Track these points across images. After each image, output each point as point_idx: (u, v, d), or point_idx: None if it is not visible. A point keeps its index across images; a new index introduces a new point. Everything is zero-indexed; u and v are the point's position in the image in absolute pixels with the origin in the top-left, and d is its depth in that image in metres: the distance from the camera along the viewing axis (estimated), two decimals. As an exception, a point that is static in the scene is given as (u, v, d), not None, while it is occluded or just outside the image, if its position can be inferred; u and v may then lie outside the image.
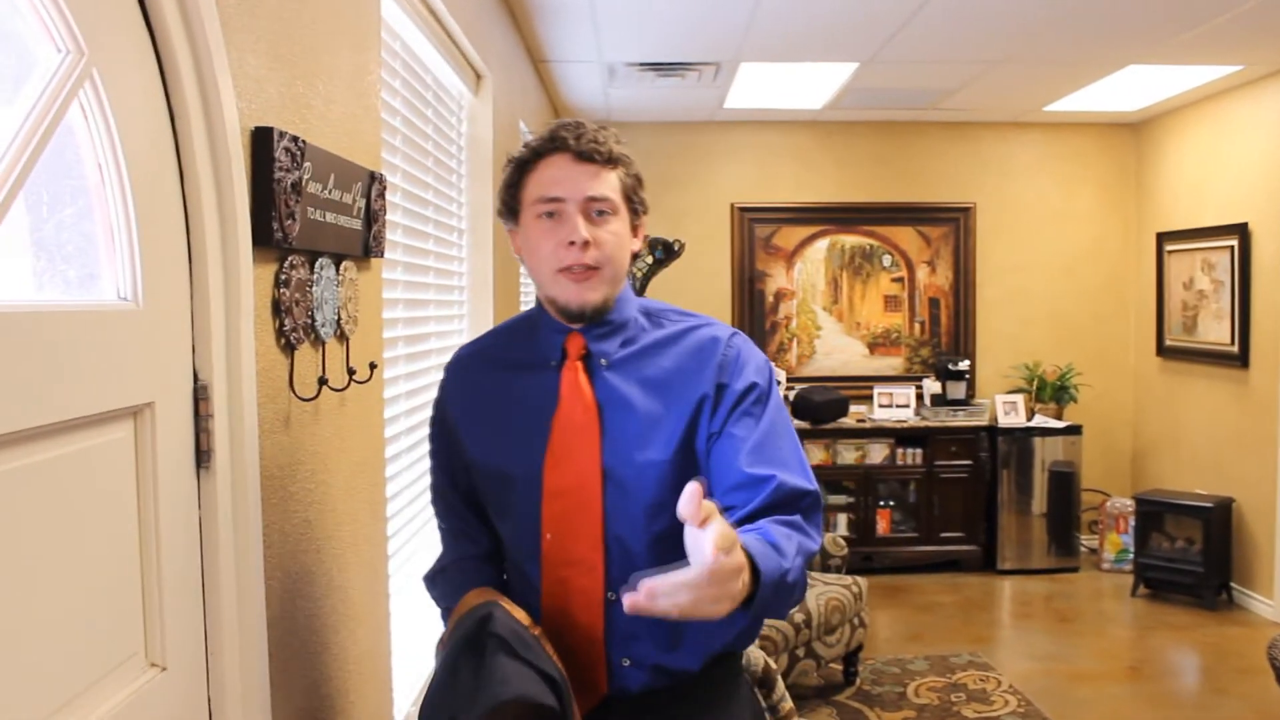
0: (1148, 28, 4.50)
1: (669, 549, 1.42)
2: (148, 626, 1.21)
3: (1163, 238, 6.44)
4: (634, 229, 1.63)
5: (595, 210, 1.54)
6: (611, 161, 1.57)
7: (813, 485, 1.52)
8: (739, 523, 1.42)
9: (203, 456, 1.34)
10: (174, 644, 1.25)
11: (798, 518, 1.46)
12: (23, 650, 0.98)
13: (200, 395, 1.33)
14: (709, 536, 1.11)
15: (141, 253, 1.19)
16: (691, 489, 1.12)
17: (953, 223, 6.84)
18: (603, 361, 1.59)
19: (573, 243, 1.52)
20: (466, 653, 1.43)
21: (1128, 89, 5.68)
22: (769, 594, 1.28)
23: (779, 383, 1.70)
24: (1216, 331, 5.89)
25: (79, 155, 1.11)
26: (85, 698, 1.08)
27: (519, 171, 1.59)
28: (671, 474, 1.53)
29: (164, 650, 1.23)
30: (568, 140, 1.55)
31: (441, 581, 1.72)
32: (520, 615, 1.54)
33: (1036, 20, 4.41)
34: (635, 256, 1.65)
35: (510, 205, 1.61)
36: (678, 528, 1.39)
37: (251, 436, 1.42)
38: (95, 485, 1.13)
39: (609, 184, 1.56)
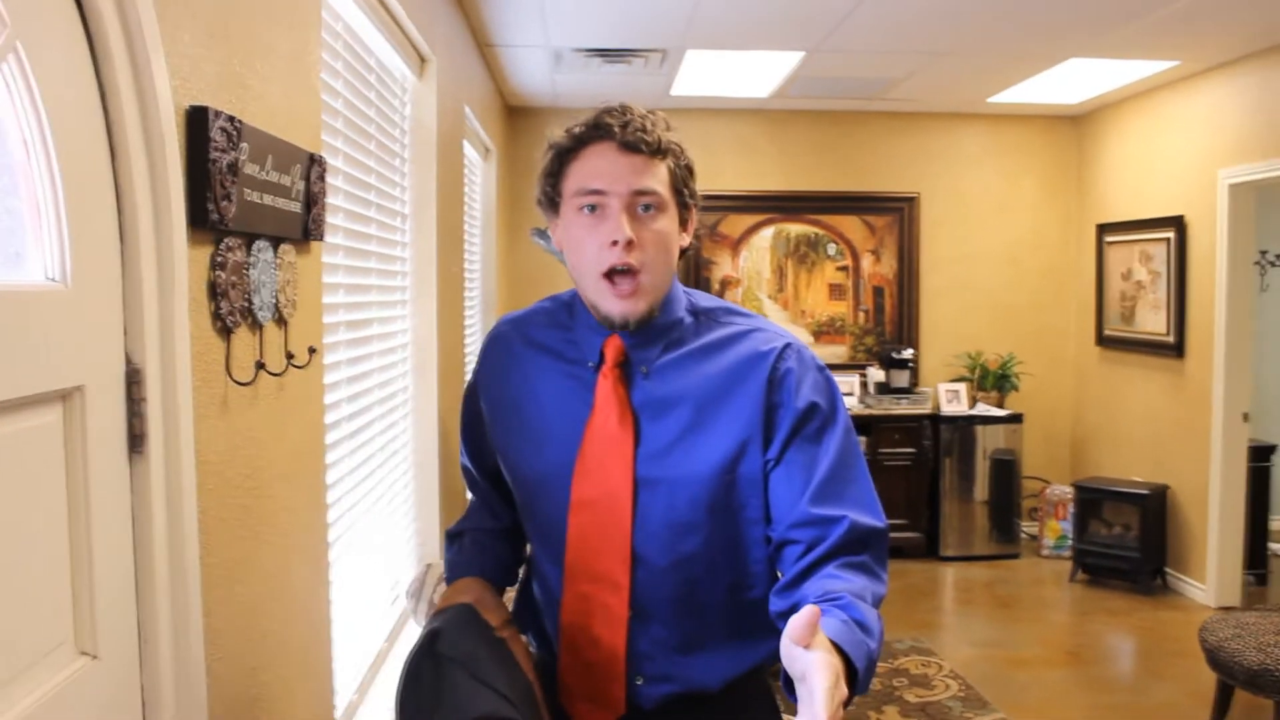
0: (1089, 21, 4.56)
1: (692, 571, 1.49)
2: (77, 614, 1.19)
3: (1102, 229, 6.55)
4: (684, 223, 1.52)
5: (641, 205, 1.43)
6: (660, 152, 1.45)
7: (883, 522, 1.42)
8: (807, 568, 1.36)
9: (136, 441, 1.31)
10: (105, 632, 1.23)
11: (866, 558, 1.37)
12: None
13: (133, 379, 1.30)
14: (820, 698, 1.00)
15: (70, 232, 1.16)
16: (808, 614, 1.05)
17: (897, 212, 6.91)
18: (643, 369, 1.51)
19: (615, 242, 1.41)
20: (422, 665, 1.42)
21: (1069, 82, 5.77)
22: (864, 681, 1.20)
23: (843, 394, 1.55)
24: (1153, 322, 6.01)
25: (2, 130, 1.08)
26: (12, 686, 1.05)
27: (559, 160, 1.48)
28: (706, 494, 1.46)
29: (95, 638, 1.21)
30: (612, 127, 1.43)
31: (454, 549, 1.71)
32: (493, 615, 1.54)
33: (980, 12, 4.46)
34: (684, 251, 1.53)
35: (550, 196, 1.52)
36: (703, 552, 1.47)
37: (186, 421, 1.40)
38: (23, 470, 1.10)
39: (657, 176, 1.44)
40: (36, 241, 1.13)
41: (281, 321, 1.85)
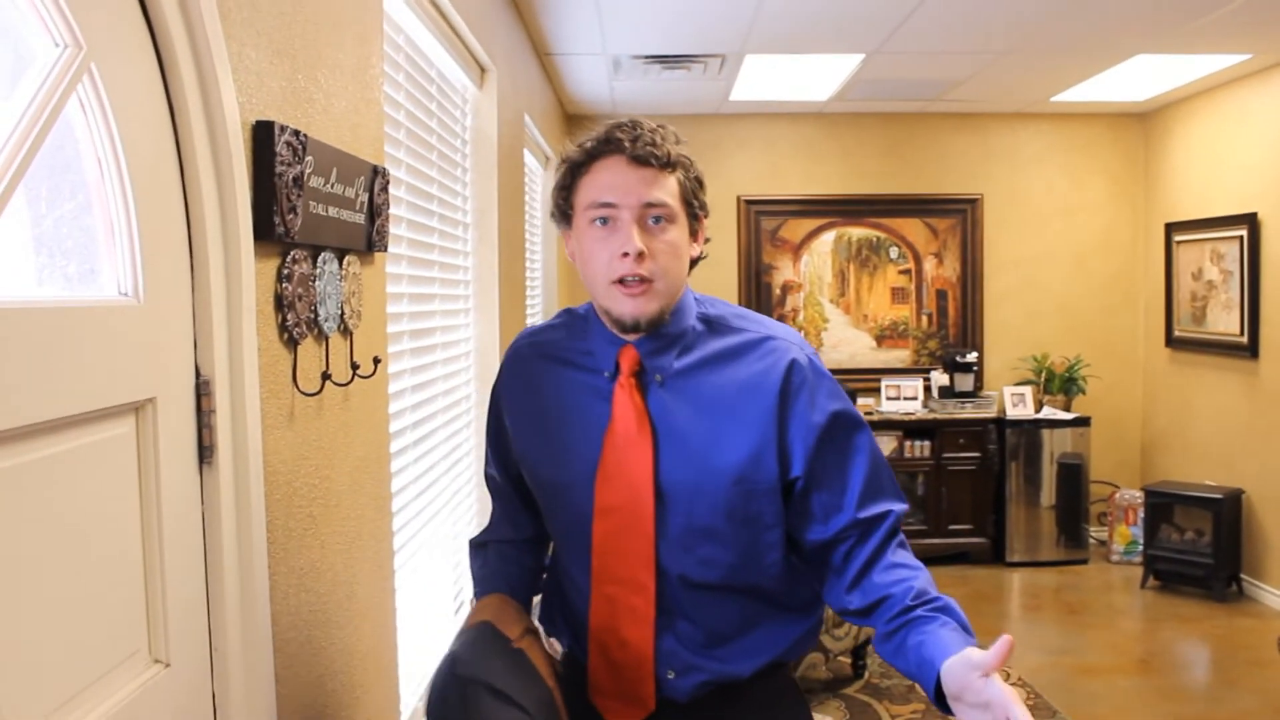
0: (1155, 16, 4.47)
1: (714, 573, 1.55)
2: (151, 623, 1.21)
3: (1171, 228, 6.41)
4: (694, 234, 1.57)
5: (651, 217, 1.48)
6: (670, 165, 1.51)
7: (905, 501, 1.57)
8: (867, 563, 1.49)
9: (205, 452, 1.33)
10: (177, 640, 1.25)
11: (901, 535, 1.54)
12: (24, 647, 0.98)
13: (202, 391, 1.33)
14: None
15: (142, 248, 1.18)
16: (1004, 644, 1.24)
17: (960, 214, 6.82)
18: (657, 378, 1.56)
19: (626, 254, 1.46)
20: (447, 690, 1.48)
21: (1136, 79, 5.65)
22: None
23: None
24: (1225, 322, 5.87)
25: (78, 150, 1.11)
26: (87, 694, 1.07)
27: (571, 174, 1.54)
28: (724, 502, 1.52)
29: (167, 647, 1.23)
30: (623, 142, 1.48)
31: (478, 562, 1.79)
32: (512, 627, 1.60)
33: (1042, 10, 4.39)
34: (695, 262, 1.59)
35: (562, 209, 1.57)
36: (723, 556, 1.54)
37: (255, 432, 1.42)
38: (97, 482, 1.12)
39: (666, 189, 1.50)
40: (110, 257, 1.16)
41: (346, 332, 1.87)
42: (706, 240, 1.62)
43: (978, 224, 6.82)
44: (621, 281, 1.48)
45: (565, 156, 1.54)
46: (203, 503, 1.34)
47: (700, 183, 1.56)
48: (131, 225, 1.17)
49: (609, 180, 1.48)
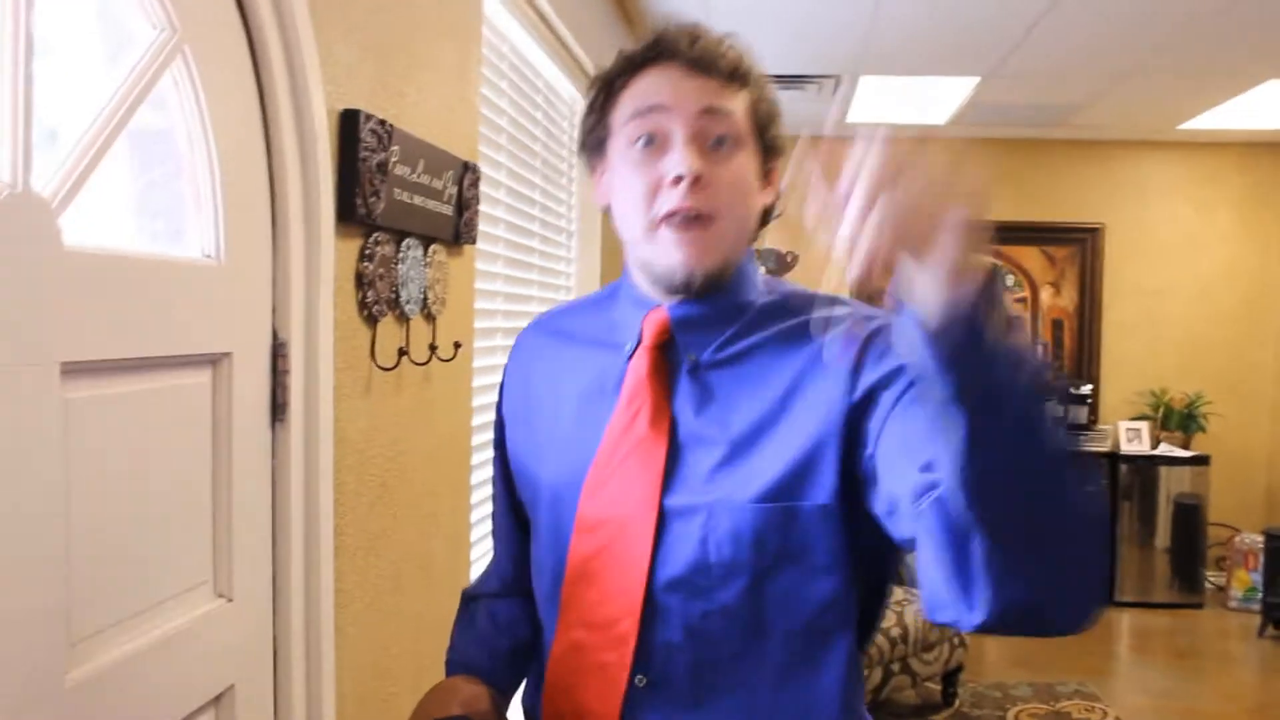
0: (1285, 40, 4.33)
1: (729, 631, 1.09)
2: (217, 559, 1.32)
3: (1304, 263, 6.16)
4: (766, 174, 1.17)
5: (714, 136, 1.10)
6: (738, 78, 1.13)
7: None
8: None
9: (278, 410, 1.44)
10: (241, 579, 1.36)
11: None
12: (101, 557, 1.09)
13: (279, 352, 1.44)
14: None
15: (225, 216, 1.30)
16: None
17: (1080, 243, 6.67)
18: (690, 359, 1.14)
19: (679, 178, 1.07)
20: None
21: (1267, 106, 5.47)
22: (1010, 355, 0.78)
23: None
24: (1359, 362, 5.60)
25: (170, 122, 1.23)
26: (154, 612, 1.18)
27: (606, 91, 1.16)
28: (752, 529, 1.07)
29: (231, 583, 1.34)
30: (678, 44, 1.12)
31: (463, 621, 1.36)
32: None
33: (1166, 30, 4.30)
34: (767, 215, 1.19)
35: (594, 134, 1.18)
36: (746, 606, 1.08)
37: (327, 396, 1.52)
38: (176, 423, 1.23)
39: (734, 101, 1.12)
40: (196, 222, 1.28)
41: (430, 316, 1.98)
42: (780, 192, 1.20)
43: (1098, 253, 6.66)
44: (669, 219, 1.08)
45: (598, 74, 1.19)
46: (274, 457, 1.45)
47: (776, 110, 1.18)
48: (216, 195, 1.29)
49: (657, 84, 1.11)
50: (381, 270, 1.74)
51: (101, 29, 1.17)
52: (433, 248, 1.97)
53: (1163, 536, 6.17)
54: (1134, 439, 6.29)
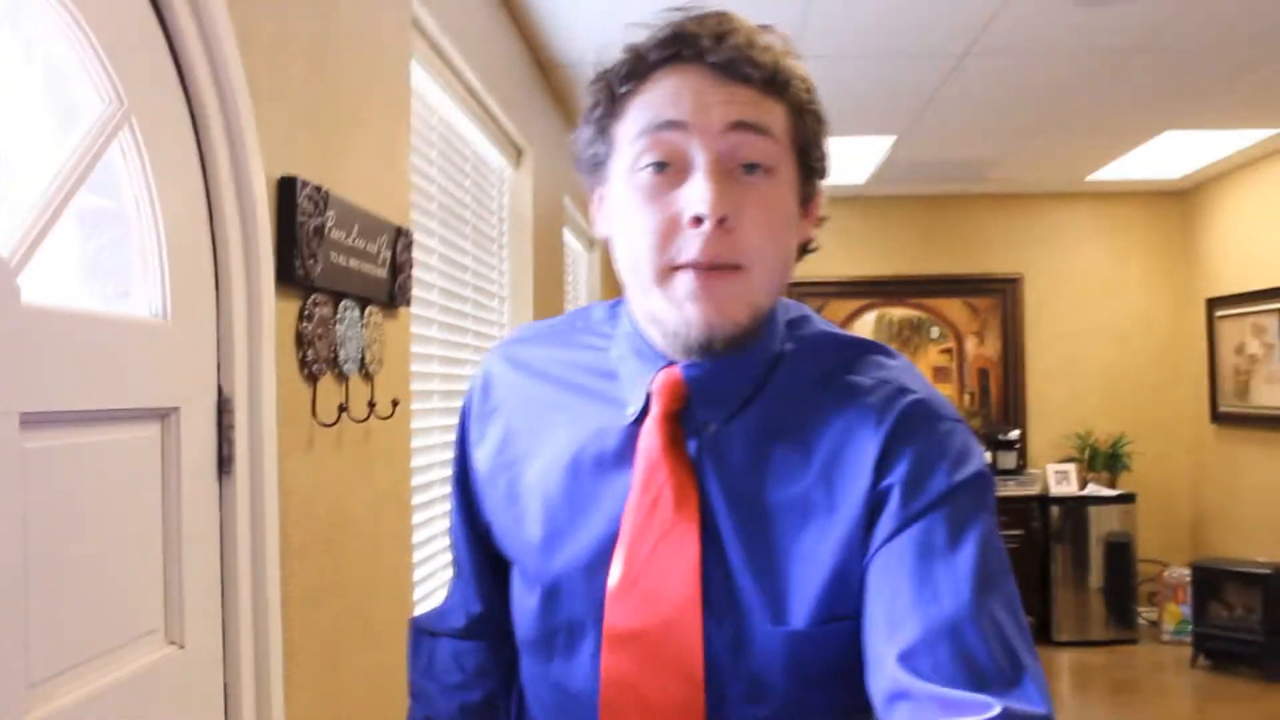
0: (1180, 92, 4.59)
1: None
2: (168, 607, 1.36)
3: (1212, 303, 6.44)
4: (806, 202, 0.98)
5: (742, 160, 0.90)
6: (777, 85, 0.92)
7: (1048, 706, 0.79)
8: None
9: (224, 463, 1.50)
10: (192, 626, 1.40)
11: None
12: (52, 605, 1.13)
13: (224, 407, 1.50)
14: None
15: (171, 277, 1.36)
16: None
17: (1000, 294, 6.91)
18: (709, 428, 0.96)
19: (699, 218, 0.88)
20: None
21: (1169, 156, 5.76)
22: None
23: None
24: (1270, 395, 5.86)
25: (118, 189, 1.30)
26: (105, 660, 1.22)
27: (610, 96, 0.95)
28: (789, 647, 0.91)
29: (183, 631, 1.38)
30: (700, 40, 0.91)
31: (421, 659, 1.20)
32: None
33: (1063, 89, 4.54)
34: (804, 250, 1.01)
35: (593, 151, 0.99)
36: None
37: (271, 450, 1.58)
38: (125, 475, 1.28)
39: (771, 115, 0.92)
40: (142, 282, 1.34)
41: (368, 375, 2.04)
42: (822, 220, 1.02)
43: (1019, 303, 6.90)
44: (690, 268, 0.90)
45: (604, 70, 0.96)
46: (220, 509, 1.50)
47: (822, 122, 0.97)
48: (162, 256, 1.35)
49: (675, 91, 0.91)
50: (320, 330, 1.81)
51: (51, 99, 1.24)
52: (369, 309, 2.04)
53: (1096, 575, 6.33)
54: (1062, 481, 6.48)
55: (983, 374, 6.93)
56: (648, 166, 0.91)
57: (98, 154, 1.23)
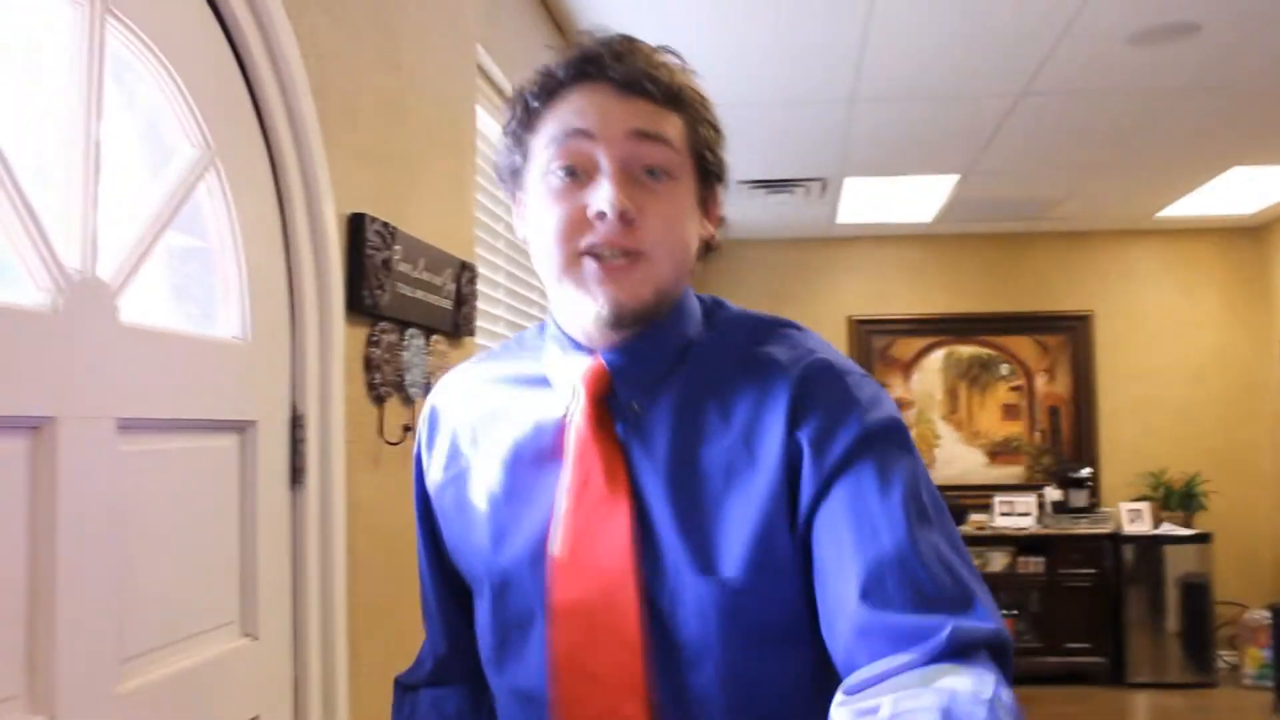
0: (1244, 128, 4.59)
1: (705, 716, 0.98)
2: (244, 602, 1.50)
3: (1289, 341, 6.34)
4: (705, 206, 1.06)
5: (644, 166, 0.99)
6: (675, 100, 1.02)
7: (998, 622, 0.84)
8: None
9: (296, 474, 1.64)
10: (265, 621, 1.53)
11: (984, 676, 0.77)
12: (147, 586, 1.27)
13: (297, 423, 1.64)
14: None
15: (250, 303, 1.52)
16: None
17: (1070, 331, 6.88)
18: (634, 407, 1.03)
19: (601, 214, 0.96)
20: None
21: (1239, 191, 5.72)
22: None
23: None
24: (1348, 435, 5.74)
25: (204, 224, 1.45)
26: (185, 645, 1.36)
27: (525, 112, 1.04)
28: (731, 611, 0.96)
29: (256, 624, 1.51)
30: (602, 59, 1.00)
31: (402, 714, 1.25)
32: None
33: (1124, 125, 4.57)
34: (708, 248, 1.09)
35: (510, 160, 1.06)
36: (725, 692, 0.97)
37: (339, 463, 1.72)
38: (208, 480, 1.43)
39: (669, 125, 1.01)
40: (225, 308, 1.49)
41: (432, 400, 2.18)
42: (721, 221, 1.10)
43: (1089, 340, 6.86)
44: (594, 255, 0.98)
45: (519, 89, 1.05)
46: (293, 516, 1.64)
47: (717, 131, 1.07)
48: (243, 285, 1.51)
49: (581, 106, 1.00)
50: (387, 355, 1.95)
51: (149, 144, 1.40)
52: (434, 338, 2.18)
53: (1172, 617, 6.22)
54: (1136, 519, 6.40)
55: (1053, 412, 6.89)
56: (558, 171, 0.99)
57: (188, 192, 1.39)
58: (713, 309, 1.11)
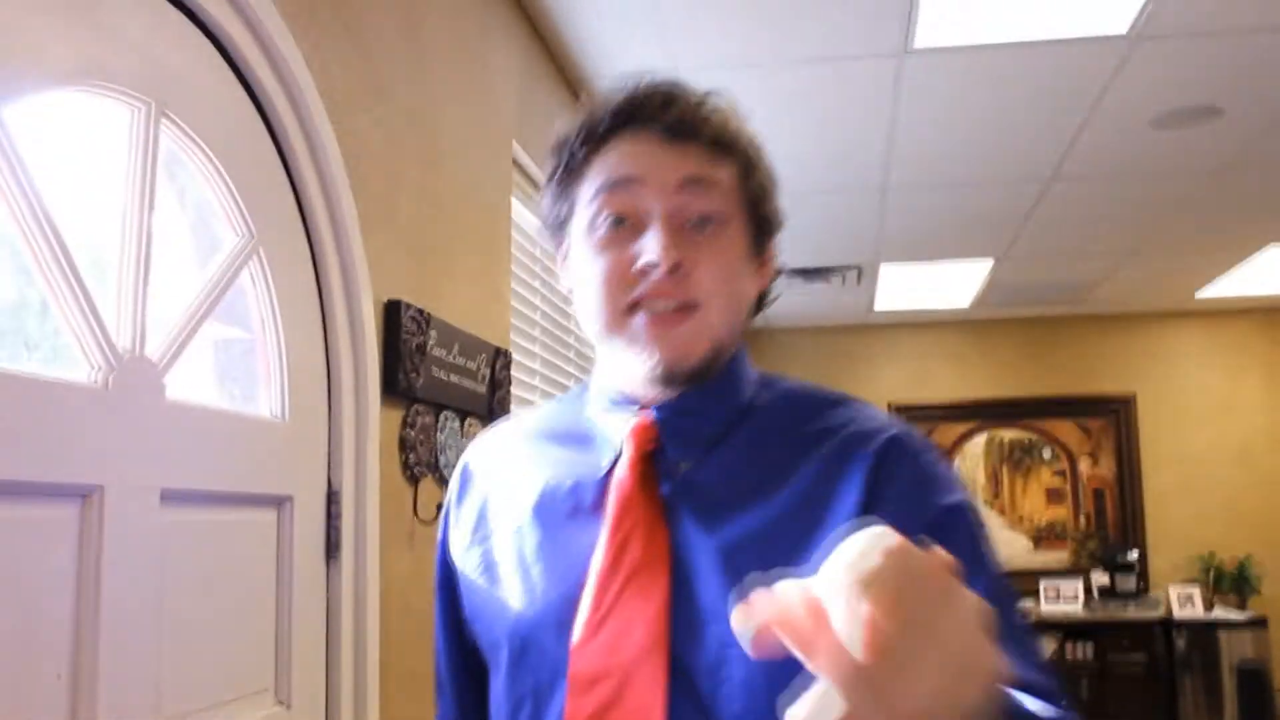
0: (1277, 207, 4.61)
1: None
2: (278, 670, 1.55)
3: (1338, 422, 6.26)
4: (759, 253, 1.02)
5: (695, 213, 0.95)
6: (724, 146, 0.98)
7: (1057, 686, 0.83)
8: None
9: (332, 549, 1.70)
10: (298, 690, 1.58)
11: None
12: (185, 651, 1.33)
13: (333, 499, 1.71)
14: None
15: (289, 383, 1.60)
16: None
17: (1113, 414, 6.84)
18: (681, 467, 0.97)
19: (653, 264, 0.92)
20: None
21: (1276, 271, 5.71)
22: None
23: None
24: (1403, 516, 5.62)
25: (247, 308, 1.54)
26: (221, 710, 1.41)
27: (571, 159, 1.00)
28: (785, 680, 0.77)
29: (290, 693, 1.56)
30: (650, 109, 0.97)
31: None
32: None
33: (1156, 207, 4.61)
34: (762, 302, 1.06)
35: (555, 211, 1.03)
36: None
37: (374, 539, 1.78)
38: (246, 551, 1.50)
39: (720, 171, 0.97)
40: (265, 388, 1.57)
41: (466, 480, 2.24)
42: (778, 273, 1.07)
43: (1132, 423, 6.81)
44: (645, 308, 0.94)
45: (563, 137, 1.01)
46: (328, 589, 1.70)
47: (771, 178, 1.03)
48: (283, 367, 1.59)
49: (629, 154, 0.97)
50: (422, 437, 2.02)
51: (198, 234, 1.50)
52: (469, 420, 2.26)
53: (1230, 705, 6.05)
54: (1186, 603, 6.27)
55: (1098, 495, 6.81)
56: (605, 221, 0.95)
57: (232, 278, 1.48)
58: (771, 378, 1.06)
